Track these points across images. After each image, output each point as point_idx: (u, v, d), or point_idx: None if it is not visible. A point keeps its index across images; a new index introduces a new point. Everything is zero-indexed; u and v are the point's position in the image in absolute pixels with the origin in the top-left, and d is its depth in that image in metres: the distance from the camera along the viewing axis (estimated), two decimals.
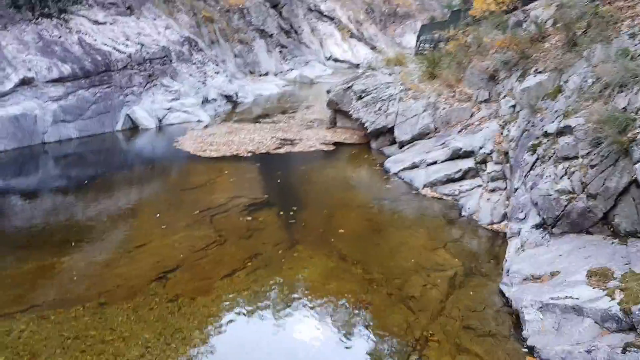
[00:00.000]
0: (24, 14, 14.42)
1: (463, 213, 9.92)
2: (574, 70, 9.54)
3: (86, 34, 15.80)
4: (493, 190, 10.40)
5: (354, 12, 55.19)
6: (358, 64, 41.52)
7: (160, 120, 17.12)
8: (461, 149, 11.53)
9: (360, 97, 16.19)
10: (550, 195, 7.50)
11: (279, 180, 11.82)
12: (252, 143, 15.05)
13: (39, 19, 14.82)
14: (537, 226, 7.84)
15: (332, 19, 49.98)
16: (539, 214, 7.85)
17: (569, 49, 10.25)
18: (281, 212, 9.63)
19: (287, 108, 23.07)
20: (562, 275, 6.43)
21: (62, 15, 15.58)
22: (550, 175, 7.77)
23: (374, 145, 15.09)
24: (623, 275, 5.82)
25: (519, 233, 8.16)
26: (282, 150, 14.37)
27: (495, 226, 9.25)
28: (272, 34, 37.08)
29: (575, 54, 9.84)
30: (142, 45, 17.52)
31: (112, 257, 7.74)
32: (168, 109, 17.46)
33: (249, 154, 13.82)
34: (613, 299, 5.45)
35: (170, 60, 18.55)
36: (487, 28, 14.63)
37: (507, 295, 6.73)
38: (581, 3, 10.79)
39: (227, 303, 6.58)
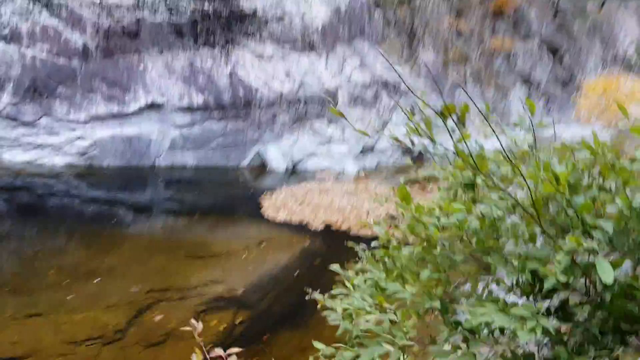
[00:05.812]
0: (184, 43, 15.30)
1: None
2: None
3: (242, 67, 15.98)
4: None
5: None
6: None
7: (295, 164, 16.30)
8: None
9: None
10: None
11: (295, 274, 9.77)
12: (350, 212, 12.94)
13: (200, 48, 15.54)
14: None
15: None
16: None
17: None
18: (224, 320, 7.74)
19: None
20: None
21: (227, 46, 16.07)
22: None
23: None
24: None
25: None
26: (363, 232, 12.00)
27: None
28: (539, 83, 32.54)
29: None
30: (302, 84, 16.92)
31: None
32: (310, 153, 16.50)
33: (321, 227, 11.87)
34: None
35: (335, 104, 17.49)
36: None
37: None
38: None
39: None
